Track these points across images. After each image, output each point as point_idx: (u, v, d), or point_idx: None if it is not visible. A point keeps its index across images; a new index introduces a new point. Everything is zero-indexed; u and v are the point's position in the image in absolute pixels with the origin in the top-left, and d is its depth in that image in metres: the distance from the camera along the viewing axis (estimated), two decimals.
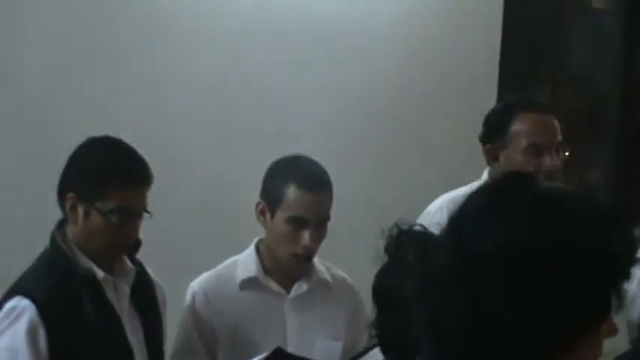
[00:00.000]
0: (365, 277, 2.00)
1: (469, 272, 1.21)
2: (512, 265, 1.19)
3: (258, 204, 2.56)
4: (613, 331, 1.24)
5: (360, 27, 4.28)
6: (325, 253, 2.63)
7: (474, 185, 2.82)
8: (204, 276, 2.63)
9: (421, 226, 1.75)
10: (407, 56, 4.39)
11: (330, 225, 2.55)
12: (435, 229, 1.42)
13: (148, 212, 2.33)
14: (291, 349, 2.49)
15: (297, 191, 2.48)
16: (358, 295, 2.63)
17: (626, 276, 1.22)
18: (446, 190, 2.99)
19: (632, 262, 1.23)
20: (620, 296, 1.22)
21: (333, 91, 4.25)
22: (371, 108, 4.35)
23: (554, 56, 5.76)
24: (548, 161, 2.68)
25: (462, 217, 1.27)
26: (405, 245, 1.70)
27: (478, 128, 2.90)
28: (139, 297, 2.40)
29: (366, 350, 2.20)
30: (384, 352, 1.85)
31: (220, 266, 2.66)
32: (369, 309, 2.04)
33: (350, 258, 2.67)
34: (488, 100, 4.61)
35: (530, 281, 1.18)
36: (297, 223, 2.48)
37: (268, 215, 2.53)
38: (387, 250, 1.81)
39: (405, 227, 1.78)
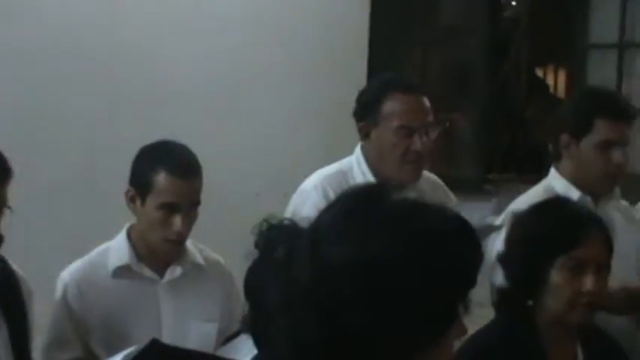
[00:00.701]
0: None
1: (324, 287, 1.23)
2: (365, 278, 1.22)
3: (127, 191, 2.53)
4: (462, 332, 1.30)
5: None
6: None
7: (345, 162, 2.91)
8: (75, 266, 2.59)
9: (290, 221, 1.76)
10: (276, 26, 4.39)
11: (210, 193, 2.53)
12: (305, 223, 1.43)
13: (9, 208, 2.27)
14: (166, 334, 2.49)
15: (167, 177, 2.46)
16: (231, 276, 2.64)
17: (473, 284, 1.28)
18: (324, 161, 3.01)
19: (478, 270, 1.28)
20: (467, 302, 1.27)
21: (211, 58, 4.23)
22: (246, 79, 4.34)
23: (423, 17, 5.86)
24: (419, 142, 2.72)
25: (317, 229, 1.29)
26: (274, 242, 1.71)
27: (350, 98, 2.92)
28: (2, 294, 2.34)
29: (239, 332, 2.22)
30: (255, 342, 1.85)
31: (91, 254, 2.62)
32: None
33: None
34: (360, 65, 4.68)
35: (381, 294, 1.21)
36: (169, 209, 2.47)
37: (139, 202, 2.51)
38: (256, 245, 1.81)
39: (274, 222, 1.78)
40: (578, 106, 2.93)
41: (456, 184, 4.98)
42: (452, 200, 3.04)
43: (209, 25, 4.32)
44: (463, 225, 1.29)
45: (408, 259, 1.22)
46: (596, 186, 2.85)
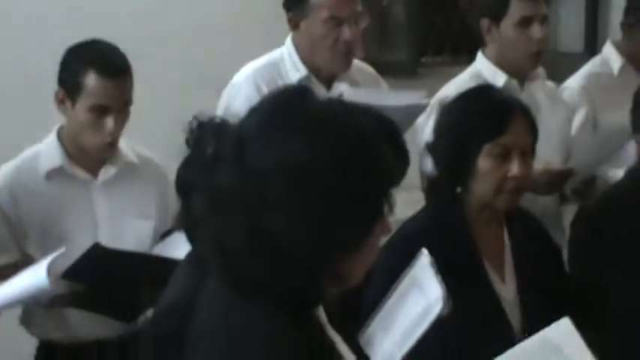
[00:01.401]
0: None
1: (250, 192, 1.24)
2: (292, 182, 1.23)
3: (56, 93, 2.49)
4: (386, 230, 1.34)
5: None
6: None
7: (276, 54, 2.89)
8: (4, 171, 2.56)
9: (221, 118, 1.76)
10: None
11: (138, 89, 2.52)
12: (236, 119, 1.43)
13: None
14: (102, 233, 2.51)
15: (97, 79, 2.43)
16: (165, 173, 2.65)
17: (397, 183, 1.31)
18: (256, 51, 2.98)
19: (403, 171, 1.33)
20: (391, 202, 1.31)
21: None
22: None
23: None
24: (347, 32, 2.72)
25: (242, 132, 1.29)
26: (204, 140, 1.71)
27: None
28: None
29: (174, 229, 2.23)
30: (188, 239, 1.87)
31: (20, 158, 2.59)
32: None
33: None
34: None
35: (306, 196, 1.23)
36: (100, 110, 2.45)
37: (69, 103, 2.47)
38: (187, 143, 1.81)
39: (204, 120, 1.78)
40: None
41: (389, 69, 5.00)
42: (383, 87, 3.06)
43: None
44: (386, 125, 1.32)
45: (332, 161, 1.24)
46: (520, 65, 2.91)
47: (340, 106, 1.33)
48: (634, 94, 2.39)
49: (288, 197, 1.23)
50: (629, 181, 2.40)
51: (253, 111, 1.32)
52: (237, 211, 1.24)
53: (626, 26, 3.36)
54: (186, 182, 1.82)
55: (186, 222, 1.81)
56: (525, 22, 2.85)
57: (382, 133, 1.29)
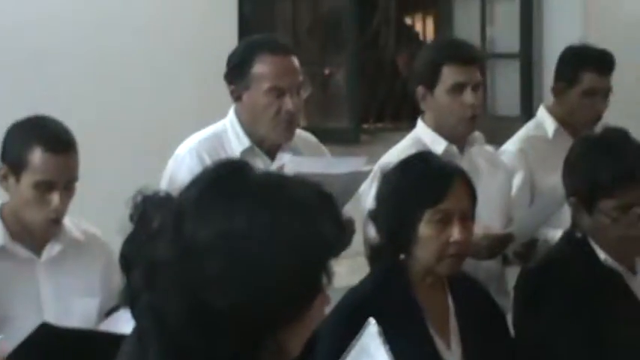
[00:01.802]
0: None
1: (189, 263, 1.24)
2: (231, 256, 1.24)
3: None
4: (326, 301, 1.34)
5: None
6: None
7: (219, 125, 2.92)
8: None
9: (165, 192, 1.77)
10: None
11: (82, 165, 2.51)
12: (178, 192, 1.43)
13: None
14: (47, 313, 2.47)
15: (42, 154, 2.42)
16: (109, 249, 2.63)
17: (336, 255, 1.32)
18: (198, 124, 3.01)
19: (340, 242, 1.32)
20: (329, 273, 1.31)
21: None
22: (115, 41, 4.26)
23: None
24: (290, 103, 2.76)
25: (181, 205, 1.30)
26: (148, 215, 1.71)
27: (222, 58, 2.91)
28: None
29: (119, 306, 2.21)
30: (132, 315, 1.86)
31: None
32: None
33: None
34: (230, 24, 4.65)
35: (246, 269, 1.24)
36: (46, 186, 2.43)
37: (12, 180, 2.45)
38: (130, 218, 1.81)
39: (148, 193, 1.78)
40: (426, 58, 3.05)
41: (332, 136, 5.08)
42: (326, 155, 3.10)
43: None
44: (324, 197, 1.32)
45: (271, 234, 1.25)
46: (456, 131, 2.98)
47: (279, 178, 1.35)
48: (565, 158, 2.46)
49: (228, 271, 1.23)
50: (565, 244, 2.45)
51: (192, 184, 1.33)
52: (177, 285, 1.24)
53: (556, 91, 3.48)
54: (129, 258, 1.83)
55: (129, 298, 1.81)
56: (458, 89, 2.91)
57: (320, 205, 1.30)
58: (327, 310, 1.42)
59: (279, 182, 1.33)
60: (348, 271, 2.41)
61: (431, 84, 2.95)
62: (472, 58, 2.98)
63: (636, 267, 2.38)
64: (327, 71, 6.62)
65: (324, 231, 1.29)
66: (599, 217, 2.30)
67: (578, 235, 2.39)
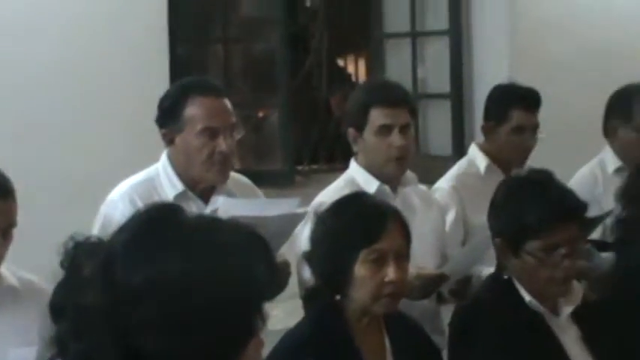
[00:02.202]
0: None
1: (120, 310, 1.22)
2: (164, 301, 1.22)
3: None
4: (260, 346, 1.32)
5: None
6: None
7: (152, 170, 2.89)
8: None
9: (97, 238, 1.74)
10: (70, 29, 4.30)
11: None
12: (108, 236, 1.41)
13: None
14: None
15: None
16: (47, 295, 2.56)
17: (270, 298, 1.31)
18: (132, 167, 2.98)
19: (273, 285, 1.32)
20: (264, 317, 1.30)
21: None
22: (40, 82, 4.22)
23: (222, 12, 5.86)
24: (223, 144, 2.74)
25: (111, 251, 1.28)
26: (79, 261, 1.68)
27: (153, 101, 2.90)
28: None
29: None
30: None
31: None
32: None
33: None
34: (162, 67, 4.64)
35: (179, 314, 1.22)
36: None
37: None
38: (62, 265, 1.78)
39: (80, 239, 1.75)
40: (355, 100, 3.08)
41: (266, 179, 5.08)
42: (260, 197, 3.09)
43: None
44: (257, 240, 1.31)
45: (204, 278, 1.23)
46: (386, 172, 3.01)
47: (212, 222, 1.33)
48: (490, 200, 2.49)
49: (161, 317, 1.22)
50: (492, 286, 2.47)
51: (123, 228, 1.31)
52: (108, 332, 1.22)
53: (485, 130, 3.54)
54: (59, 305, 1.79)
55: (59, 347, 1.77)
56: (385, 131, 2.94)
57: (254, 249, 1.29)
58: (264, 353, 1.41)
59: (212, 226, 1.32)
60: (285, 313, 2.40)
61: (360, 126, 2.99)
62: (399, 100, 3.01)
63: (559, 308, 2.40)
64: (260, 114, 6.64)
65: (258, 275, 1.28)
66: (525, 258, 2.33)
67: (504, 276, 2.41)
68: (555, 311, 2.38)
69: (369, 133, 2.97)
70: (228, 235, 1.29)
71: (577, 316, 2.42)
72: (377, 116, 2.95)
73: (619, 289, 2.60)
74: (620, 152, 3.60)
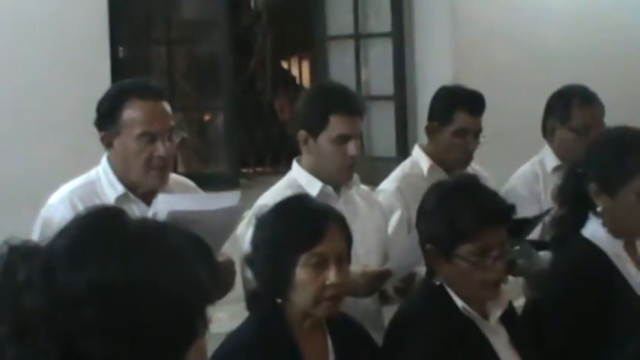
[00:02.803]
0: None
1: (62, 313, 1.21)
2: (106, 304, 1.21)
3: None
4: (202, 349, 1.32)
5: None
6: None
7: (92, 173, 2.84)
8: None
9: (34, 242, 1.70)
10: (7, 31, 4.22)
11: None
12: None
13: None
14: None
15: None
16: None
17: (212, 302, 1.30)
18: (72, 171, 2.93)
19: (215, 288, 1.31)
20: (206, 320, 1.29)
21: None
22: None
23: (164, 14, 5.81)
24: (161, 148, 2.71)
25: (52, 254, 1.26)
26: (15, 266, 1.65)
27: (94, 104, 2.85)
28: None
29: None
30: None
31: None
32: None
33: None
34: (103, 69, 4.58)
35: (121, 318, 1.21)
36: None
37: None
38: None
39: (16, 244, 1.71)
40: (311, 104, 3.06)
41: (211, 181, 5.04)
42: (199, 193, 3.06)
43: None
44: (199, 243, 1.31)
45: (147, 281, 1.23)
46: (335, 176, 3.00)
47: (154, 225, 1.33)
48: (418, 207, 2.50)
49: (102, 320, 1.20)
50: (424, 292, 2.47)
51: (64, 232, 1.29)
52: (49, 336, 1.20)
53: (429, 131, 3.56)
54: None
55: None
56: (342, 139, 2.94)
57: (196, 252, 1.28)
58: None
59: (155, 229, 1.31)
60: (230, 316, 2.38)
61: (316, 130, 2.96)
62: (358, 109, 3.02)
63: (488, 312, 2.42)
64: (206, 117, 6.59)
65: (200, 278, 1.28)
66: (457, 263, 2.33)
67: (436, 282, 2.42)
68: (485, 315, 2.40)
69: (325, 139, 2.95)
70: (171, 239, 1.29)
71: (505, 320, 2.43)
72: (336, 124, 2.93)
73: (552, 287, 2.63)
74: (558, 152, 3.65)
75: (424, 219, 2.43)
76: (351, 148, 2.94)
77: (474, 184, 2.42)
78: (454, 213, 2.32)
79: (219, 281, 1.33)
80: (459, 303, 2.36)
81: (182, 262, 1.26)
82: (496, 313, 2.40)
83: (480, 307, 2.39)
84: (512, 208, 2.41)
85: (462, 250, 2.32)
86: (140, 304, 1.22)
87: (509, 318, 2.44)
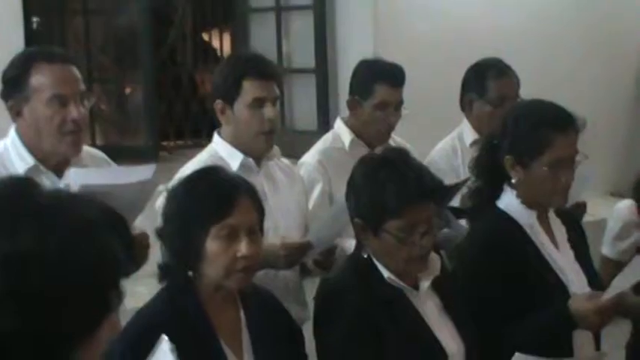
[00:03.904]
0: None
1: None
2: (15, 275, 1.18)
3: None
4: (115, 327, 1.30)
5: None
6: None
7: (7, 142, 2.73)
8: None
9: None
10: None
11: None
12: None
13: None
14: None
15: None
16: None
17: (125, 275, 1.28)
18: None
19: (128, 261, 1.28)
20: (120, 293, 1.27)
21: None
22: None
23: None
24: (74, 111, 2.63)
25: None
26: None
27: None
28: None
29: None
30: None
31: None
32: None
33: None
34: (16, 40, 4.44)
35: (32, 290, 1.18)
36: None
37: None
38: None
39: None
40: (226, 72, 3.02)
41: (130, 154, 4.96)
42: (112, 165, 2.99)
43: None
44: (112, 215, 1.29)
45: (58, 254, 1.20)
46: (254, 145, 2.98)
47: (65, 197, 1.29)
48: (348, 180, 2.48)
49: (13, 293, 1.18)
50: (352, 265, 2.47)
51: None
52: None
53: (350, 104, 3.55)
54: None
55: None
56: (257, 103, 2.92)
57: (108, 225, 1.26)
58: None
59: (67, 200, 1.28)
60: (150, 290, 2.33)
61: (231, 98, 2.94)
62: (271, 73, 3.00)
63: (418, 282, 2.43)
64: (127, 90, 6.47)
65: (113, 250, 1.26)
66: (384, 238, 2.33)
67: (364, 255, 2.41)
68: (415, 285, 2.41)
69: (240, 106, 2.93)
70: (84, 210, 1.26)
71: (436, 286, 2.45)
72: (250, 88, 2.92)
73: (466, 258, 2.66)
74: (475, 125, 3.69)
75: (353, 193, 2.42)
76: (268, 111, 2.92)
77: (401, 159, 2.41)
78: (380, 189, 2.32)
79: (133, 254, 1.30)
80: (385, 274, 2.37)
81: (95, 234, 1.24)
82: (425, 283, 2.41)
83: (409, 277, 2.40)
84: (440, 184, 2.41)
85: (389, 226, 2.32)
86: (52, 276, 1.19)
87: (441, 284, 2.45)
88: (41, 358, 1.21)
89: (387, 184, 2.32)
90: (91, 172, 2.54)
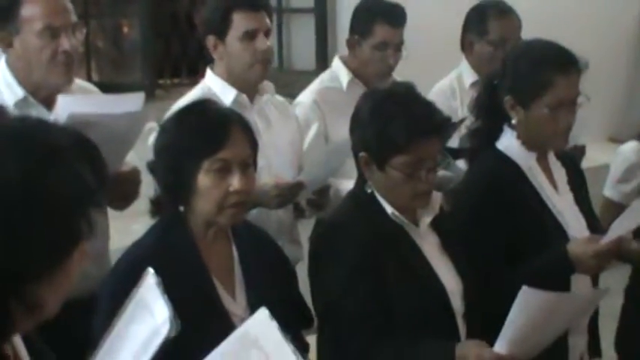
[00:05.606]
0: None
1: None
2: None
3: None
4: (84, 255, 1.26)
5: None
6: None
7: None
8: None
9: None
10: None
11: None
12: None
13: None
14: None
15: None
16: None
17: (96, 204, 1.25)
18: None
19: (100, 190, 1.25)
20: (91, 223, 1.24)
21: None
22: None
23: None
24: (66, 42, 2.58)
25: None
26: None
27: None
28: None
29: None
30: None
31: None
32: None
33: None
34: None
35: (1, 217, 1.16)
36: None
37: None
38: None
39: None
40: (214, 6, 2.99)
41: (126, 91, 4.87)
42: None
43: None
44: (84, 142, 1.25)
45: (25, 180, 1.17)
46: (248, 78, 2.95)
47: (35, 123, 1.26)
48: (352, 114, 2.43)
49: None
50: (354, 199, 2.43)
51: None
52: None
53: (349, 44, 3.49)
54: None
55: None
56: (249, 36, 2.89)
57: (80, 152, 1.23)
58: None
59: (34, 127, 1.24)
60: (145, 227, 2.29)
61: (222, 32, 2.90)
62: (261, 3, 2.96)
63: (418, 219, 2.40)
64: (125, 29, 6.38)
65: (84, 178, 1.22)
66: (390, 173, 2.30)
67: (367, 190, 2.37)
68: (415, 222, 2.38)
69: (232, 39, 2.90)
70: (53, 137, 1.22)
71: (435, 225, 2.43)
72: (241, 21, 2.88)
73: (463, 198, 2.63)
74: (475, 66, 3.64)
75: (358, 127, 2.37)
76: (260, 42, 2.89)
77: (408, 93, 2.36)
78: (388, 124, 2.27)
79: (105, 182, 1.26)
80: (389, 209, 2.34)
81: (63, 161, 1.20)
82: (426, 220, 2.39)
83: (410, 213, 2.38)
84: (447, 120, 2.37)
85: (396, 161, 2.29)
86: (17, 204, 1.16)
87: (440, 223, 2.43)
88: (2, 289, 1.17)
89: (395, 118, 2.27)
90: (78, 100, 2.48)
